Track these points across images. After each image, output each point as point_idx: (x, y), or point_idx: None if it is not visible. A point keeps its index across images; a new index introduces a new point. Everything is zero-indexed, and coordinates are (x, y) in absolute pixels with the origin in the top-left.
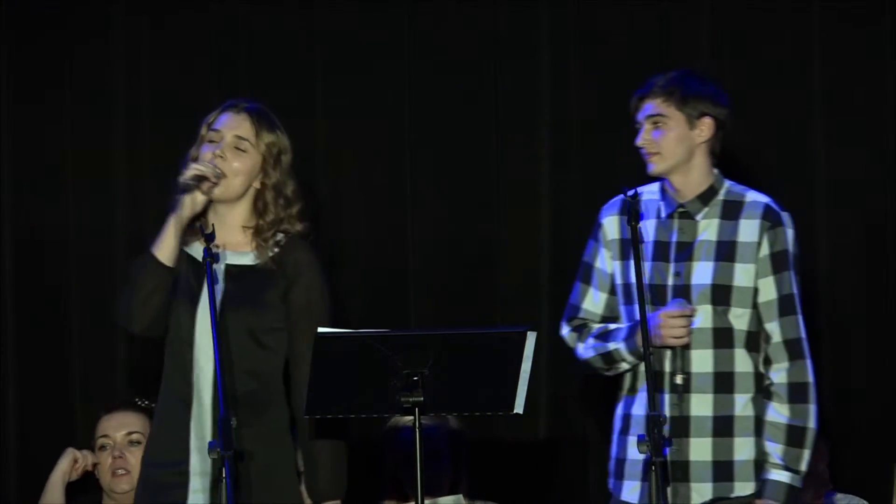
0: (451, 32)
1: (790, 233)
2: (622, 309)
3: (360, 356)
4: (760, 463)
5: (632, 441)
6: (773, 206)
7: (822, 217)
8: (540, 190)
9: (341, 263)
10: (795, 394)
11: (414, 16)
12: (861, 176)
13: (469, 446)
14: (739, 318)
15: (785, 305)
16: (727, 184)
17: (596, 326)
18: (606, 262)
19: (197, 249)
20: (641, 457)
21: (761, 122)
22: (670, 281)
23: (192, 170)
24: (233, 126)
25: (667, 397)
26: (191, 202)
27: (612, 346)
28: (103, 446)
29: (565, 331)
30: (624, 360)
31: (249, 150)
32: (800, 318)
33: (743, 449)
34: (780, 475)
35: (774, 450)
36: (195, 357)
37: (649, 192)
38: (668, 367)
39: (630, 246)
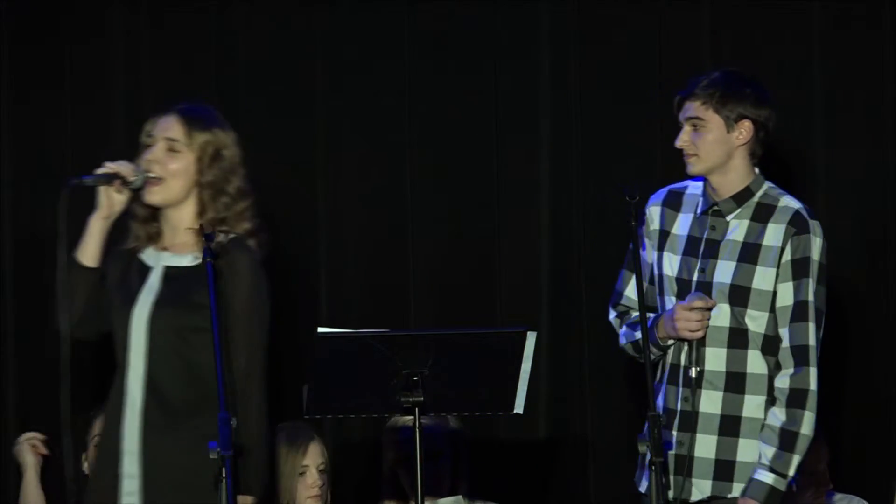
0: (451, 32)
1: (816, 241)
2: (657, 299)
3: (360, 356)
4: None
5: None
6: (804, 213)
7: (822, 217)
8: (540, 190)
9: (341, 263)
10: (794, 399)
11: (414, 16)
12: (861, 176)
13: (469, 446)
14: (756, 321)
15: (798, 312)
16: (766, 186)
17: (634, 314)
18: (648, 251)
19: (149, 254)
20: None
21: None
22: (695, 276)
23: (103, 168)
24: (164, 129)
25: (680, 391)
26: (107, 202)
27: (638, 335)
28: (98, 445)
29: (611, 315)
30: (650, 350)
31: (183, 150)
32: (811, 325)
33: (747, 450)
34: (764, 476)
35: (764, 451)
36: (129, 357)
37: (694, 186)
38: (683, 361)
39: (666, 238)
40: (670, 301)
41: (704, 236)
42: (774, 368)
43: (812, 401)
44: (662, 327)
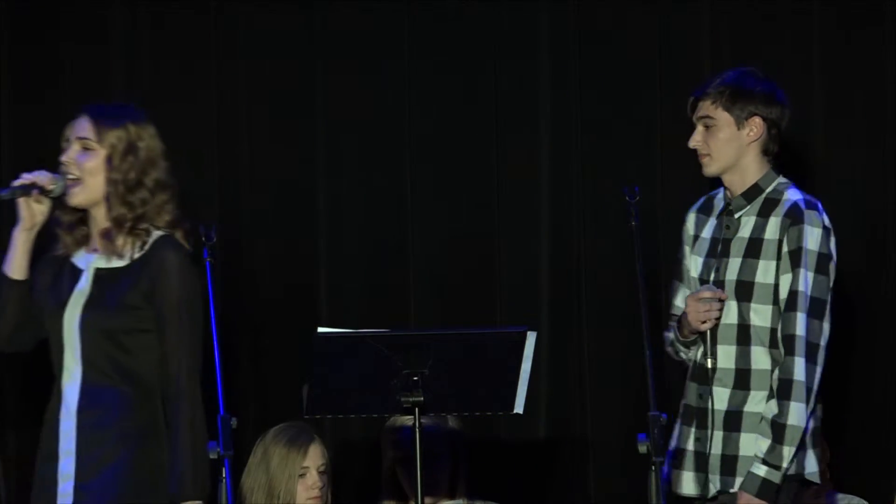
0: (451, 32)
1: (812, 231)
2: None
3: (360, 356)
4: None
5: (677, 429)
6: (801, 203)
7: None
8: (540, 190)
9: (341, 263)
10: (781, 390)
11: (414, 16)
12: (861, 176)
13: (469, 446)
14: (760, 315)
15: (789, 302)
16: (777, 182)
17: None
18: (686, 257)
19: (80, 256)
20: (679, 445)
21: None
22: (712, 276)
23: (20, 180)
24: (77, 130)
25: (698, 388)
26: (28, 213)
27: (668, 335)
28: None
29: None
30: (678, 350)
31: (95, 148)
32: (800, 315)
33: (748, 445)
34: (757, 469)
35: (759, 444)
36: (63, 360)
37: (723, 189)
38: (699, 358)
39: (696, 242)
40: None
41: (720, 236)
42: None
43: (799, 391)
44: (684, 324)
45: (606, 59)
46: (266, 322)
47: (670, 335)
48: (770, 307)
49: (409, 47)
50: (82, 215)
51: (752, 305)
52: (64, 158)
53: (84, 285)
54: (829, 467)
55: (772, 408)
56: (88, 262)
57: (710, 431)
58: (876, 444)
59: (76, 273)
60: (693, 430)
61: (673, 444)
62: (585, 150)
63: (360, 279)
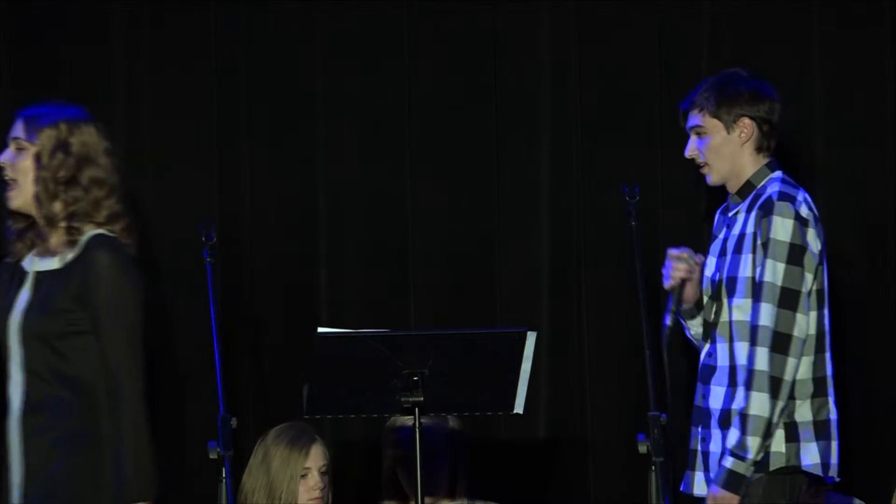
0: (451, 32)
1: (780, 221)
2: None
3: (360, 356)
4: None
5: (691, 430)
6: (774, 196)
7: (822, 216)
8: (540, 190)
9: (341, 263)
10: (746, 380)
11: (414, 16)
12: (861, 176)
13: (468, 446)
14: (741, 310)
15: (756, 292)
16: (768, 177)
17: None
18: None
19: (28, 259)
20: (691, 446)
21: None
22: (717, 276)
23: None
24: (12, 134)
25: (700, 387)
26: None
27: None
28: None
29: None
30: (685, 325)
31: (28, 148)
32: (764, 305)
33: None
34: (725, 460)
35: (730, 436)
36: (10, 366)
37: None
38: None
39: (714, 242)
40: (706, 298)
41: (722, 235)
42: None
43: (760, 381)
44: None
45: (606, 59)
46: (266, 322)
47: (668, 319)
48: (749, 301)
49: (409, 47)
50: (32, 220)
51: (734, 300)
52: (0, 161)
53: (26, 290)
54: None
55: (738, 399)
56: (32, 265)
57: (710, 431)
58: (876, 444)
59: (23, 276)
60: (699, 430)
61: (690, 445)
62: (585, 150)
63: (360, 279)
